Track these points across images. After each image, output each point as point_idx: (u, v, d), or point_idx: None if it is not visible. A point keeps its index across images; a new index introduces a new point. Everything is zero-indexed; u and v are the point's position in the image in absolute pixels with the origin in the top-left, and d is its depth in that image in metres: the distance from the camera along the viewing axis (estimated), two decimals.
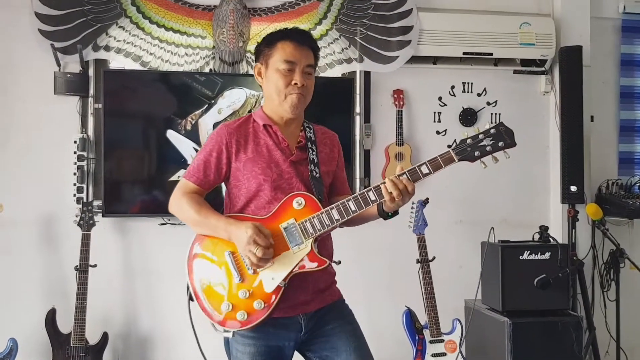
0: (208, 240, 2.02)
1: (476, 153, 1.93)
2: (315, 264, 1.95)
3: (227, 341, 2.06)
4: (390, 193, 1.89)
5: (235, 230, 1.92)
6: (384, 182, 1.91)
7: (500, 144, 1.92)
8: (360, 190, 1.98)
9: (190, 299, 2.04)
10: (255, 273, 1.95)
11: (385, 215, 2.01)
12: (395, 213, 2.01)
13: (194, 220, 2.01)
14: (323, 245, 2.05)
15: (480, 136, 1.93)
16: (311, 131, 2.15)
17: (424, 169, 1.92)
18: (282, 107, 2.06)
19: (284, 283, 1.93)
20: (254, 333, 1.99)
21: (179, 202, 2.04)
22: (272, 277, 1.94)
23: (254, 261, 1.90)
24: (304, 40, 2.09)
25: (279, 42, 2.06)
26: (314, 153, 2.10)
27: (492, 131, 1.93)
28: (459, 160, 1.93)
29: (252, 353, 2.00)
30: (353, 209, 1.94)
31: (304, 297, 2.02)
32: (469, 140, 1.94)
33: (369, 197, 1.93)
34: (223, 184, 2.14)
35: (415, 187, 1.91)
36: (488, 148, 1.93)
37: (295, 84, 2.03)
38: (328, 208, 1.95)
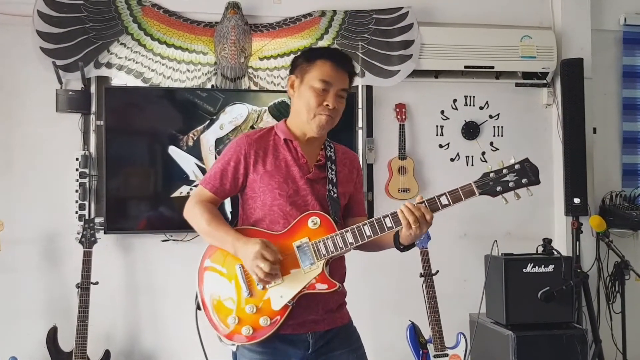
0: (220, 252, 2.01)
1: (498, 188, 1.91)
2: (325, 286, 1.93)
3: (234, 355, 2.06)
4: (407, 219, 1.85)
5: (243, 246, 1.91)
6: (402, 209, 1.88)
7: (524, 180, 1.90)
8: (376, 216, 1.95)
9: (198, 308, 2.04)
10: (264, 289, 1.93)
11: (400, 247, 1.98)
12: (411, 246, 1.98)
13: (203, 230, 2.01)
14: (335, 268, 2.02)
15: (504, 171, 1.91)
16: (332, 150, 2.14)
17: (444, 200, 1.90)
18: (309, 125, 2.03)
19: (292, 302, 1.92)
20: (261, 348, 1.97)
21: (192, 209, 2.03)
22: (280, 295, 1.93)
23: (260, 276, 1.87)
24: (344, 64, 2.07)
25: (318, 60, 2.04)
26: (332, 173, 2.08)
27: (516, 167, 1.91)
28: (480, 194, 1.91)
29: None
30: (368, 233, 1.92)
31: (313, 316, 2.00)
32: (492, 174, 1.91)
33: (385, 222, 1.91)
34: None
35: (433, 217, 1.87)
36: (511, 184, 1.90)
37: (327, 105, 2.00)
38: (343, 231, 1.93)
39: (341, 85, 2.04)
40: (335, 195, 2.05)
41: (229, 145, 2.09)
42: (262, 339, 1.93)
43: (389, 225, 1.90)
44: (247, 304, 1.94)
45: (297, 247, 1.94)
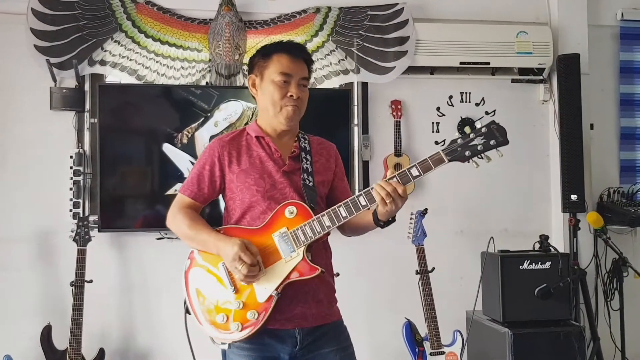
0: (202, 254, 2.04)
1: (467, 153, 1.88)
2: (308, 272, 1.94)
3: (224, 353, 2.06)
4: (380, 195, 1.86)
5: (223, 246, 1.93)
6: (374, 187, 1.89)
7: (492, 142, 1.87)
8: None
9: (187, 312, 2.05)
10: (247, 285, 1.95)
11: (380, 223, 1.97)
12: (391, 221, 1.98)
13: (186, 235, 2.04)
14: (320, 256, 2.03)
15: (472, 135, 1.89)
16: (306, 141, 2.16)
17: (414, 171, 1.89)
18: (277, 118, 2.07)
19: (276, 293, 1.92)
20: (249, 344, 1.98)
21: (174, 218, 2.07)
22: (264, 287, 1.94)
23: (239, 278, 1.92)
24: (299, 53, 2.11)
25: (274, 55, 2.08)
26: (308, 162, 2.10)
27: (483, 130, 1.89)
28: (449, 160, 1.89)
29: None
30: (344, 214, 1.93)
31: (301, 308, 2.00)
32: (459, 140, 1.90)
33: (359, 202, 1.92)
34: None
35: (406, 190, 1.88)
36: (479, 147, 1.88)
37: (291, 96, 2.05)
38: (319, 215, 1.95)
39: (301, 74, 2.08)
40: (311, 183, 2.07)
41: (204, 150, 2.13)
42: (250, 334, 1.94)
43: (364, 203, 1.91)
44: (233, 300, 1.96)
45: (276, 237, 1.96)
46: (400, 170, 1.90)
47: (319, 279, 1.97)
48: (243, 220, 2.04)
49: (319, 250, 2.04)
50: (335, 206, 1.95)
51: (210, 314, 1.99)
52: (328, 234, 1.99)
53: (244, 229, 2.01)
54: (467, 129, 1.91)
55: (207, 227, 2.02)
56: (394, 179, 1.88)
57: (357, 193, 1.95)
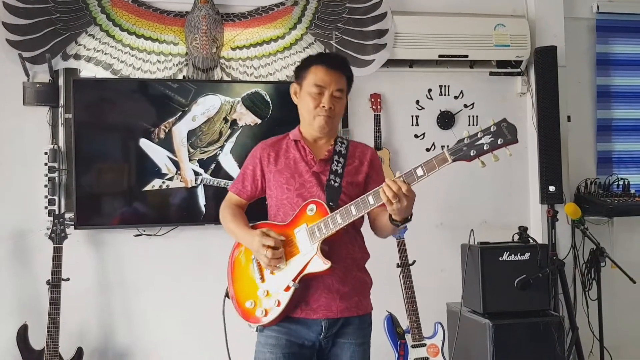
0: (242, 246, 2.27)
1: (472, 152, 1.91)
2: (319, 266, 2.07)
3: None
4: (386, 195, 1.92)
5: (249, 240, 2.16)
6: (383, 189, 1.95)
7: (499, 141, 1.88)
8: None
9: (227, 296, 2.29)
10: (272, 274, 2.15)
11: (395, 222, 2.04)
12: (406, 220, 2.04)
13: (228, 229, 2.29)
14: (346, 251, 2.17)
15: (479, 134, 1.90)
16: (343, 146, 2.30)
17: (419, 171, 1.95)
18: (312, 126, 2.24)
19: (294, 284, 2.09)
20: (277, 328, 2.16)
21: (222, 212, 2.33)
22: (284, 278, 2.12)
23: (266, 262, 2.10)
24: (336, 65, 2.24)
25: (312, 66, 2.23)
26: (339, 165, 2.24)
27: (492, 129, 1.90)
28: (454, 160, 1.93)
29: (272, 345, 2.15)
30: (354, 212, 2.05)
31: (325, 299, 2.14)
32: (466, 140, 1.92)
33: (368, 201, 2.03)
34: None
35: (410, 188, 1.93)
36: (486, 147, 1.89)
37: (323, 107, 2.19)
38: (333, 213, 2.08)
39: (336, 87, 2.21)
40: (337, 184, 2.20)
41: (250, 152, 2.37)
42: (271, 320, 2.13)
43: (372, 202, 2.02)
44: (259, 288, 2.17)
45: (297, 233, 2.13)
46: (407, 171, 1.96)
47: (346, 274, 2.16)
48: (277, 217, 2.24)
49: (345, 247, 2.18)
50: (347, 204, 2.06)
51: (242, 300, 2.20)
52: (341, 229, 2.08)
53: (271, 223, 2.21)
54: (477, 128, 1.90)
55: (242, 223, 2.25)
56: (400, 179, 1.94)
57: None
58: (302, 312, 2.14)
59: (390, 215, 2.03)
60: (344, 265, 2.17)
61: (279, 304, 2.11)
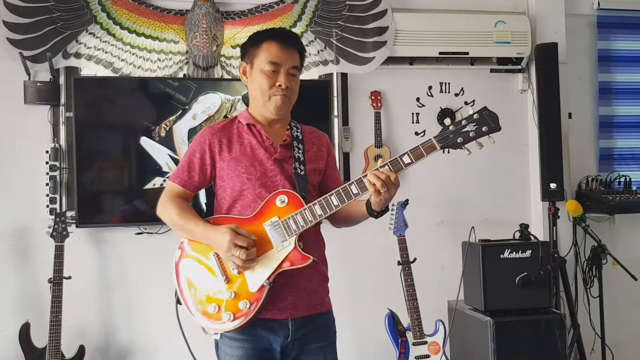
0: (193, 243, 2.03)
1: (459, 139, 1.88)
2: (300, 262, 1.93)
3: (216, 344, 2.06)
4: (374, 185, 1.84)
5: (214, 236, 1.93)
6: (366, 175, 1.87)
7: (484, 128, 1.88)
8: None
9: (178, 302, 2.04)
10: (239, 273, 1.95)
11: (373, 213, 1.97)
12: (384, 211, 1.98)
13: (175, 224, 2.03)
14: (313, 245, 2.03)
15: (464, 122, 1.89)
16: (298, 130, 2.15)
17: (406, 159, 1.87)
18: (267, 108, 2.06)
19: (268, 282, 1.92)
20: (241, 335, 1.98)
21: (163, 206, 2.06)
22: (256, 277, 1.94)
23: (239, 264, 1.90)
24: (290, 41, 2.09)
25: (264, 42, 2.06)
26: (300, 151, 2.09)
27: (475, 116, 1.89)
28: (441, 147, 1.89)
29: (240, 356, 1.99)
30: (335, 203, 1.92)
31: (292, 297, 2.00)
32: (451, 127, 1.90)
33: (351, 190, 1.91)
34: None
35: (398, 177, 1.87)
36: (471, 134, 1.88)
37: (280, 85, 2.03)
38: (311, 204, 1.94)
39: (291, 64, 2.06)
40: (303, 172, 2.05)
41: (194, 138, 2.12)
42: (244, 323, 1.94)
43: (355, 191, 1.90)
44: (225, 290, 1.95)
45: (268, 227, 1.95)
46: (392, 158, 1.89)
47: (312, 268, 1.96)
48: (233, 209, 2.03)
49: (311, 239, 2.04)
50: (327, 194, 1.93)
51: (201, 305, 1.98)
52: (320, 222, 1.99)
53: (234, 218, 2.00)
54: (459, 115, 1.92)
55: (196, 217, 2.01)
56: (386, 167, 1.87)
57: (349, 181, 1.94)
58: (268, 312, 1.97)
59: (368, 206, 1.96)
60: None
61: (252, 306, 1.93)
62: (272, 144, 2.07)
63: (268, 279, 1.92)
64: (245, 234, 1.91)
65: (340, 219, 2.13)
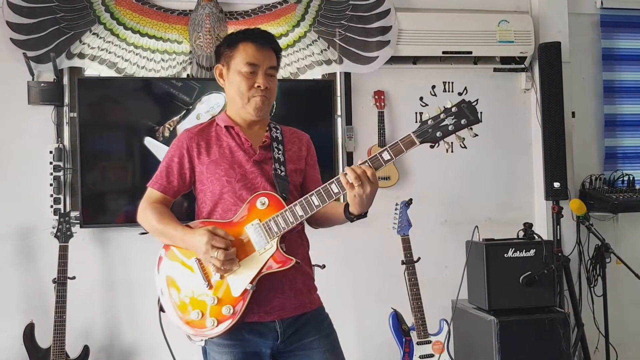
0: (175, 249, 1.99)
1: (438, 134, 1.83)
2: (282, 264, 1.89)
3: (204, 350, 2.02)
4: (348, 181, 1.79)
5: (191, 240, 1.89)
6: (345, 173, 1.83)
7: (463, 121, 1.83)
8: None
9: (161, 310, 2.01)
10: (222, 278, 1.91)
11: (350, 216, 1.92)
12: (362, 216, 1.92)
13: (155, 230, 2.00)
14: (296, 246, 2.01)
15: (442, 116, 1.84)
16: (278, 131, 2.12)
17: (385, 155, 1.83)
18: (246, 109, 2.03)
19: (251, 286, 1.88)
20: (229, 340, 1.94)
21: (143, 212, 2.03)
22: (239, 281, 1.89)
23: (218, 266, 1.86)
24: (266, 42, 2.05)
25: (240, 44, 2.03)
26: (279, 152, 2.06)
27: (453, 109, 1.84)
28: (421, 142, 1.84)
29: None
30: (316, 203, 1.88)
31: (279, 299, 1.97)
32: (429, 121, 1.85)
33: (331, 189, 1.86)
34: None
35: (375, 174, 1.81)
36: (450, 127, 1.83)
37: (259, 86, 2.00)
38: (292, 205, 1.90)
39: (269, 64, 2.03)
40: (283, 173, 2.03)
41: (172, 142, 2.08)
42: (228, 329, 1.89)
43: (336, 191, 1.86)
44: (207, 296, 1.91)
45: (249, 230, 1.92)
46: (372, 155, 1.85)
47: (296, 269, 1.92)
48: (214, 213, 2.00)
49: (294, 241, 2.01)
50: (307, 195, 1.90)
51: (184, 311, 1.94)
52: (302, 223, 1.97)
53: (215, 222, 1.96)
54: (437, 109, 1.87)
55: (175, 222, 1.97)
56: (365, 164, 1.83)
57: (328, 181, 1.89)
58: (254, 315, 1.93)
59: (346, 208, 1.91)
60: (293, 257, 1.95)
61: (234, 312, 1.88)
62: (251, 145, 2.04)
63: (251, 282, 1.88)
64: (223, 234, 1.86)
65: (315, 220, 2.09)
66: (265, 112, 2.07)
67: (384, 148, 1.85)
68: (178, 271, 1.98)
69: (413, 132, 1.85)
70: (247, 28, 2.13)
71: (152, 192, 2.05)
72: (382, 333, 3.57)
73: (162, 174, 2.04)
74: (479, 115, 1.87)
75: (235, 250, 1.87)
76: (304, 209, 1.88)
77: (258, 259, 1.90)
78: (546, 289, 3.37)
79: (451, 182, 4.00)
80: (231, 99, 2.07)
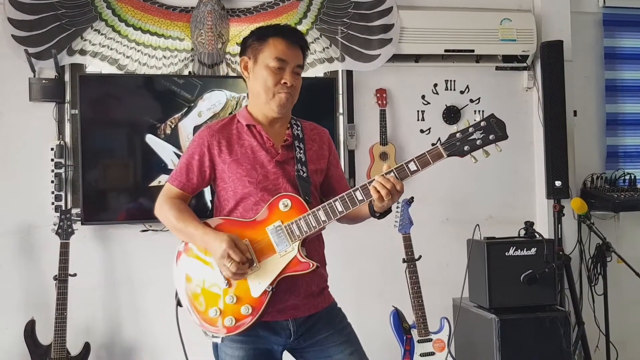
0: (193, 247, 2.00)
1: (466, 147, 1.86)
2: (302, 267, 1.90)
3: (215, 346, 2.04)
4: (378, 192, 1.83)
5: (212, 242, 1.89)
6: (372, 181, 1.85)
7: (491, 137, 1.85)
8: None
9: (179, 304, 2.02)
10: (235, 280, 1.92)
11: (376, 215, 1.96)
12: (387, 212, 1.96)
13: (173, 227, 2.00)
14: (313, 248, 2.01)
15: (470, 129, 1.86)
16: (299, 128, 2.10)
17: (412, 166, 1.85)
18: (269, 105, 2.01)
19: (271, 287, 1.89)
20: (242, 337, 1.95)
21: (161, 208, 2.02)
22: (258, 282, 1.91)
23: (227, 276, 1.88)
24: (297, 40, 2.04)
25: (270, 38, 2.01)
26: (301, 152, 2.04)
27: (482, 124, 1.86)
28: (448, 155, 1.86)
29: (241, 357, 1.96)
30: (340, 209, 1.89)
31: (294, 300, 1.98)
32: (458, 135, 1.87)
33: (356, 197, 1.88)
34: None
35: (403, 186, 1.85)
36: (478, 142, 1.86)
37: (285, 83, 1.99)
38: (315, 209, 1.90)
39: (296, 62, 2.02)
40: (305, 174, 2.02)
41: (193, 139, 2.07)
42: (244, 329, 1.91)
43: (360, 198, 1.88)
44: (227, 294, 1.92)
45: (271, 231, 1.92)
46: (398, 165, 1.86)
47: (313, 272, 1.93)
48: (236, 212, 2.00)
49: (312, 243, 2.01)
50: (331, 200, 1.90)
51: (202, 308, 1.95)
52: (323, 228, 1.96)
53: (237, 221, 1.97)
54: (466, 122, 1.88)
55: (195, 220, 1.97)
56: (392, 174, 1.85)
57: (353, 187, 1.91)
58: (268, 314, 1.94)
59: (370, 207, 1.94)
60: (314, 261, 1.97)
61: (255, 311, 1.89)
62: (273, 145, 2.03)
63: (271, 284, 1.89)
64: (243, 248, 1.88)
65: (344, 218, 2.06)
66: (288, 110, 2.06)
67: (411, 159, 1.86)
68: (197, 268, 1.98)
69: (441, 145, 1.86)
70: (278, 24, 2.12)
71: (170, 188, 2.04)
72: (383, 331, 3.57)
73: (182, 171, 2.03)
74: (505, 128, 1.87)
75: (247, 265, 1.88)
76: (327, 214, 1.90)
77: (278, 261, 1.91)
78: (547, 287, 3.38)
79: (453, 180, 3.99)
80: (255, 93, 2.04)
